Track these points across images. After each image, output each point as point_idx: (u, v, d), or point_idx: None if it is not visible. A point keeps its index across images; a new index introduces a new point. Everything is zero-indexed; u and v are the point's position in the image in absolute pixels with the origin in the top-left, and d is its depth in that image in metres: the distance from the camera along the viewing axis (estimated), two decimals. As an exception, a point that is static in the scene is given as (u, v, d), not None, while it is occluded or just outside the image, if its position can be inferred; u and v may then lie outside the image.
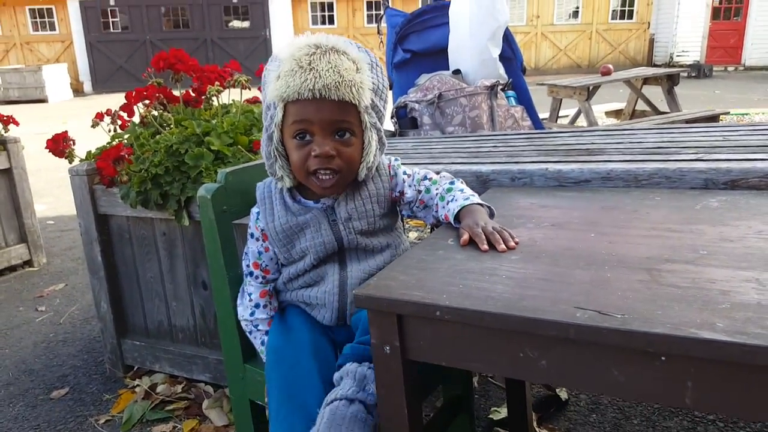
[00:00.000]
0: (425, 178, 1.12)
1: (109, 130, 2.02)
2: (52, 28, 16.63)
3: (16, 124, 3.17)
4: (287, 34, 14.93)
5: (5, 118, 3.14)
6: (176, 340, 1.88)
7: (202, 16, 16.47)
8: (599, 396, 1.68)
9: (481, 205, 1.04)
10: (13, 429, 1.73)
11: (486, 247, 0.91)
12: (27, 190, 3.18)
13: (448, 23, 2.21)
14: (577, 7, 17.10)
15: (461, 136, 1.90)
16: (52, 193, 4.78)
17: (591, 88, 4.53)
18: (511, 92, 2.20)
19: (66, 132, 2.00)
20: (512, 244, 0.92)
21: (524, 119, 2.13)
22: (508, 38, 2.27)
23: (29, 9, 16.26)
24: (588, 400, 1.66)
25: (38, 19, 16.48)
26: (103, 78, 16.72)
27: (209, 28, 16.43)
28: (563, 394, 1.67)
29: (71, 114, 10.35)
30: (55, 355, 2.17)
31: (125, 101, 1.84)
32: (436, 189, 1.10)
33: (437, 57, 2.24)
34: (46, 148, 1.97)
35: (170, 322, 1.88)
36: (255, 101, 2.13)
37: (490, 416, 1.61)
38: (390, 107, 2.16)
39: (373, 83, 1.00)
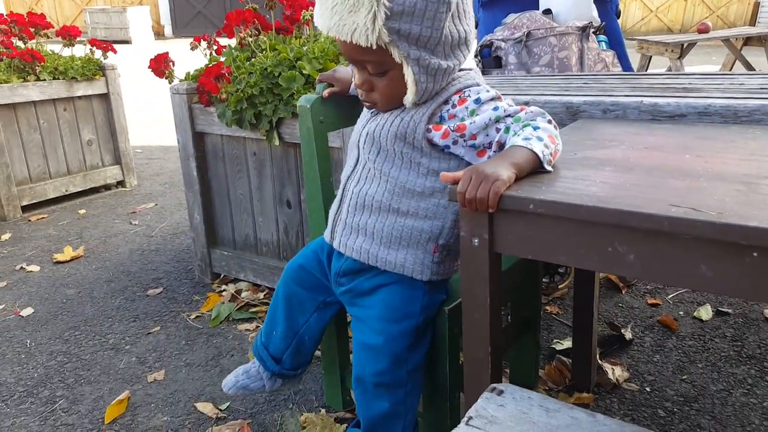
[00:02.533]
0: (508, 114, 0.93)
1: (205, 55, 2.14)
2: (138, -30, 17.15)
3: (114, 51, 3.37)
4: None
5: (104, 45, 3.35)
6: (260, 253, 2.03)
7: (281, -36, 16.47)
8: (664, 339, 1.69)
9: (536, 155, 0.85)
10: (116, 317, 1.94)
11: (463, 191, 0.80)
12: (122, 116, 3.41)
13: (542, -40, 2.16)
14: (674, -35, 15.88)
15: (549, 75, 1.88)
16: (139, 127, 5.07)
17: (685, 45, 4.28)
18: (602, 36, 2.13)
19: (167, 53, 2.13)
20: (489, 209, 0.80)
21: (615, 65, 2.07)
22: (603, -21, 2.20)
23: (118, -50, 16.80)
24: (652, 341, 1.68)
25: (125, -39, 17.01)
26: (183, 23, 17.16)
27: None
28: (627, 334, 1.69)
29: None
30: (149, 261, 2.38)
31: (225, 22, 1.93)
32: (516, 127, 0.92)
33: (526, -4, 2.20)
34: (148, 67, 2.10)
35: (256, 235, 2.02)
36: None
37: (553, 346, 1.66)
38: (474, 46, 2.16)
39: (395, 8, 0.85)
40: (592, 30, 2.02)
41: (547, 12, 2.10)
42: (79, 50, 3.26)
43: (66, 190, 3.16)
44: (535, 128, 0.89)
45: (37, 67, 3.05)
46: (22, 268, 2.33)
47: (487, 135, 0.94)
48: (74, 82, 3.14)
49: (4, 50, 3.07)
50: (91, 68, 3.21)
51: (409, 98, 0.94)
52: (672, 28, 16.03)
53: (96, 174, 3.31)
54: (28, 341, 1.80)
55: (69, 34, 3.30)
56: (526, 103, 1.42)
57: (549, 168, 0.87)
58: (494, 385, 0.85)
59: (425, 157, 0.98)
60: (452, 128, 0.94)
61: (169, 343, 1.77)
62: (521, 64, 1.96)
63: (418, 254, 1.00)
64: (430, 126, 0.96)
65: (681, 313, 1.84)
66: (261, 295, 1.99)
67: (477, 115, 0.94)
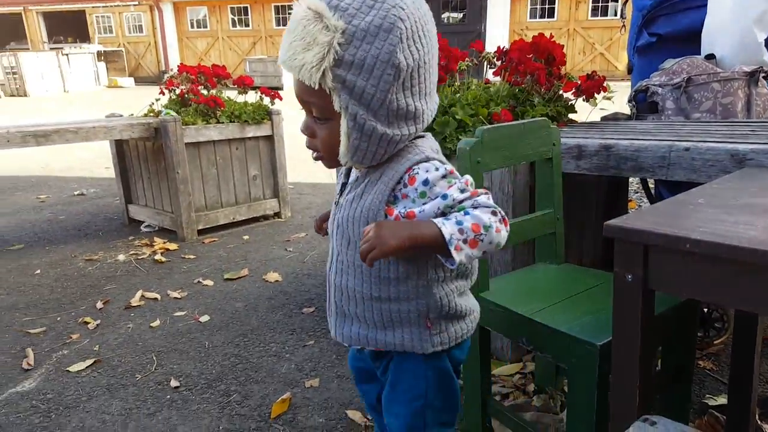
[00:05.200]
0: (456, 202, 0.89)
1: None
2: (292, 23, 19.00)
3: (280, 98, 3.82)
4: (503, 29, 14.87)
5: (272, 93, 3.81)
6: (404, 282, 2.17)
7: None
8: (842, 408, 1.53)
9: (443, 236, 0.84)
10: (277, 329, 2.19)
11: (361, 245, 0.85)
12: (282, 155, 3.83)
13: (704, 6, 2.11)
14: None
15: (711, 121, 1.84)
16: (290, 165, 5.60)
17: None
18: (775, 81, 2.03)
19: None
20: (367, 260, 0.84)
21: (788, 111, 1.96)
22: (779, 20, 2.09)
23: (274, 6, 18.77)
24: (827, 409, 1.53)
25: (281, 15, 18.96)
26: (330, 70, 18.58)
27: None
28: (796, 398, 1.56)
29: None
30: (302, 283, 2.64)
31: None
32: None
33: (685, 41, 2.15)
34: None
35: (400, 266, 2.17)
36: (487, 82, 2.32)
37: (705, 401, 1.58)
38: (629, 91, 2.16)
39: (346, 57, 0.84)
40: (762, 75, 1.94)
41: (710, 57, 2.05)
42: (249, 96, 3.74)
43: (233, 218, 3.60)
44: (466, 213, 0.87)
45: (218, 112, 3.55)
46: (198, 281, 2.70)
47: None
48: (246, 125, 3.60)
49: (193, 97, 3.62)
50: (260, 113, 3.66)
51: (341, 152, 0.91)
52: None
53: (258, 205, 3.73)
54: (206, 343, 2.10)
55: (244, 83, 3.81)
56: (684, 149, 1.42)
57: (454, 254, 0.84)
58: (647, 416, 0.88)
59: None
60: (402, 214, 0.91)
61: (322, 355, 1.96)
62: (680, 110, 1.93)
63: (414, 331, 0.98)
64: (386, 208, 0.92)
65: None
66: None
67: (425, 203, 0.90)
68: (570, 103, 2.15)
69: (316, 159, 0.99)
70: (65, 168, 5.68)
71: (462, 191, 0.90)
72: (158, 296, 2.53)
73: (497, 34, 14.26)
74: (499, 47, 2.25)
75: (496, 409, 1.44)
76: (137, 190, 3.72)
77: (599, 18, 14.84)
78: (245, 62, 17.17)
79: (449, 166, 0.92)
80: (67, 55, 15.70)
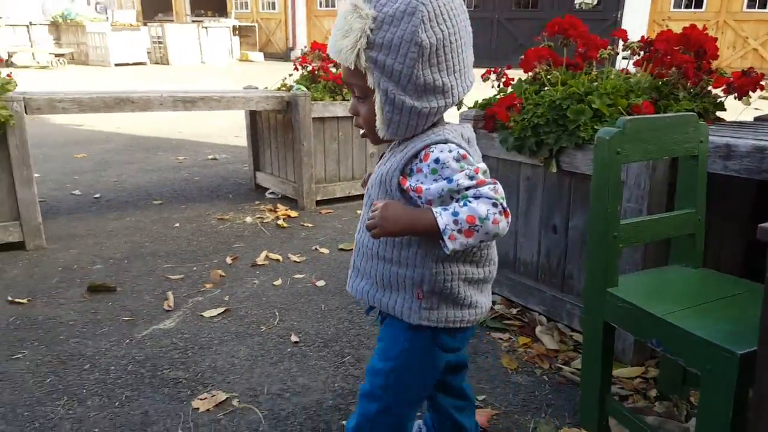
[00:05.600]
0: (460, 189, 0.95)
1: (492, 86, 2.37)
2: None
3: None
4: (641, 18, 13.85)
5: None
6: (517, 271, 2.16)
7: (553, -4, 16.48)
8: None
9: (437, 225, 0.93)
10: (388, 302, 2.27)
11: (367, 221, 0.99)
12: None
13: None
14: None
15: None
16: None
17: None
18: None
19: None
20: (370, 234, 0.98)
21: None
22: None
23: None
24: None
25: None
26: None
27: (557, 8, 16.39)
28: None
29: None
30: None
31: (523, 57, 2.13)
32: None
33: None
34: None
35: (515, 254, 2.16)
36: (626, 72, 2.21)
37: None
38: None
39: (376, 40, 0.96)
40: None
41: None
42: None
43: (348, 193, 3.74)
44: (465, 204, 0.94)
45: (344, 90, 3.67)
46: (316, 248, 2.86)
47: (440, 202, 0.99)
48: (369, 103, 3.69)
49: (323, 74, 3.77)
50: (384, 92, 3.74)
51: (377, 125, 1.03)
52: None
53: (373, 182, 3.84)
54: (323, 306, 2.23)
55: (370, 63, 3.90)
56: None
57: (448, 243, 0.92)
58: (793, 435, 0.82)
59: None
60: (413, 187, 1.00)
61: (432, 333, 2.00)
62: None
63: (406, 298, 1.06)
64: (401, 177, 1.02)
65: None
66: (513, 311, 2.12)
67: (434, 181, 0.98)
68: (719, 100, 2.00)
69: (362, 136, 1.12)
70: (200, 134, 6.17)
71: (470, 179, 0.96)
72: (280, 258, 2.71)
73: (635, 23, 13.29)
74: (643, 36, 2.13)
75: (615, 408, 1.40)
76: (265, 159, 3.98)
77: (756, 10, 13.31)
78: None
79: (463, 150, 0.99)
80: (206, 28, 16.90)
